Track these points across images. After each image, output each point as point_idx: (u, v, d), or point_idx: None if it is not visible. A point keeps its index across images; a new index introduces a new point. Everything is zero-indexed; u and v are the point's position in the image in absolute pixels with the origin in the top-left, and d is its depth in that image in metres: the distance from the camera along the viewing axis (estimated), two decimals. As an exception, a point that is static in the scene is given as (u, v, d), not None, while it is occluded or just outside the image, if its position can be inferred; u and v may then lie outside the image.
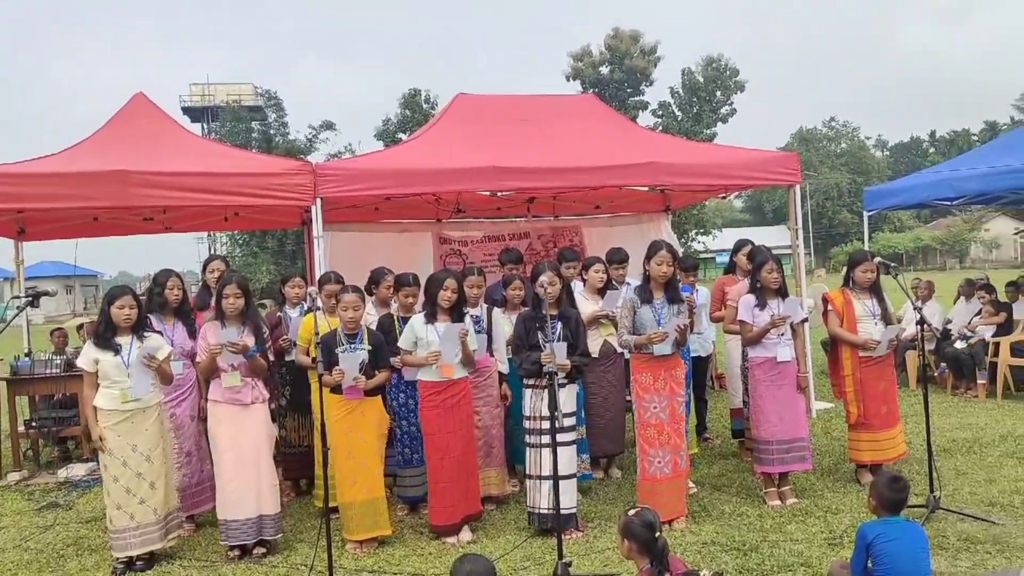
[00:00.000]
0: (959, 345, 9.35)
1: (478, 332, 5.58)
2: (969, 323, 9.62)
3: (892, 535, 3.74)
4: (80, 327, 9.84)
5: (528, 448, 5.31)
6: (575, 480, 5.36)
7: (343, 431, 5.11)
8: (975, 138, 66.97)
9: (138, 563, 4.95)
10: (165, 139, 7.56)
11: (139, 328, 5.00)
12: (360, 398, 5.10)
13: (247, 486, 5.07)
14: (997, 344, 9.04)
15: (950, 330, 9.80)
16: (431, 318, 5.30)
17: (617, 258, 6.75)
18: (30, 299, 4.59)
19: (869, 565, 3.78)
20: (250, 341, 5.14)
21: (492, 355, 5.88)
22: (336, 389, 5.06)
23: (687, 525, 5.24)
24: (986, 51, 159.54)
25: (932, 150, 75.09)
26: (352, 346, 5.15)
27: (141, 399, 4.92)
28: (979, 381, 9.03)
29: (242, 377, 5.13)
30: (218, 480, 5.16)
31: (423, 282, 5.61)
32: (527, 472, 5.36)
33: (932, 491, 5.21)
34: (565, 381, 5.21)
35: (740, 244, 6.97)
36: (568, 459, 5.23)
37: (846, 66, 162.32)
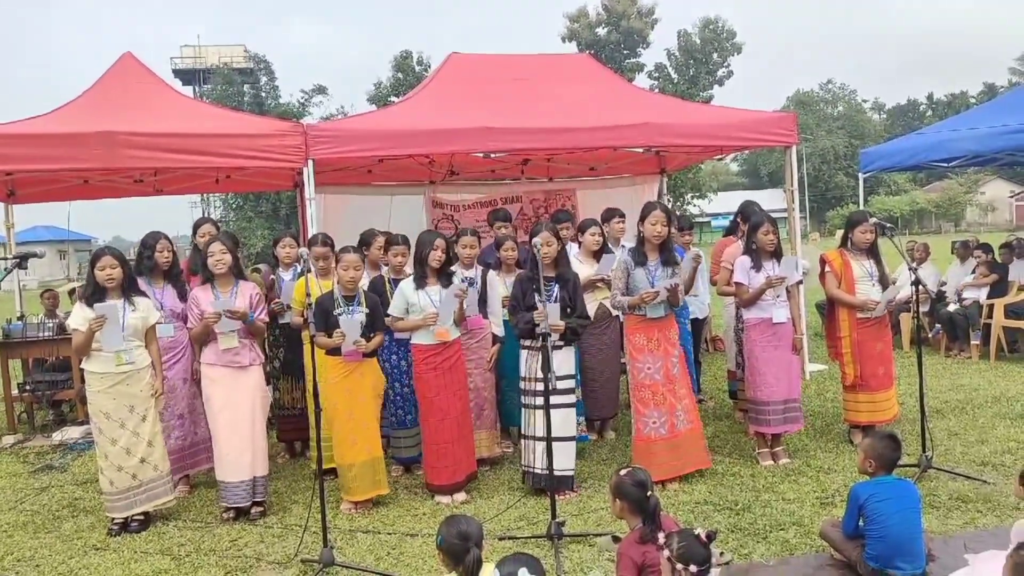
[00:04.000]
0: (952, 307, 9.36)
1: (471, 287, 5.57)
2: (960, 285, 9.63)
3: (885, 495, 3.78)
4: (72, 292, 9.78)
5: (523, 409, 5.32)
6: (574, 443, 5.34)
7: (343, 393, 5.09)
8: (973, 100, 66.43)
9: (133, 524, 4.97)
10: (154, 100, 7.46)
11: (129, 291, 4.96)
12: (359, 360, 5.08)
13: (243, 448, 5.08)
14: (991, 306, 9.05)
15: (944, 292, 9.81)
16: (421, 282, 5.27)
17: (616, 215, 6.74)
18: (18, 260, 4.53)
19: (861, 524, 3.82)
20: (243, 302, 5.12)
21: (486, 317, 5.86)
22: (334, 351, 5.03)
23: (680, 485, 5.26)
24: (986, 11, 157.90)
25: (929, 113, 74.52)
26: (350, 308, 5.12)
27: (135, 362, 4.91)
28: (973, 342, 9.06)
29: (239, 338, 5.11)
30: (215, 442, 5.17)
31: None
32: (521, 432, 5.37)
33: (924, 451, 5.23)
34: (562, 343, 5.19)
35: (744, 206, 6.85)
36: (566, 421, 5.22)
37: (843, 28, 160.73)
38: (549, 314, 4.80)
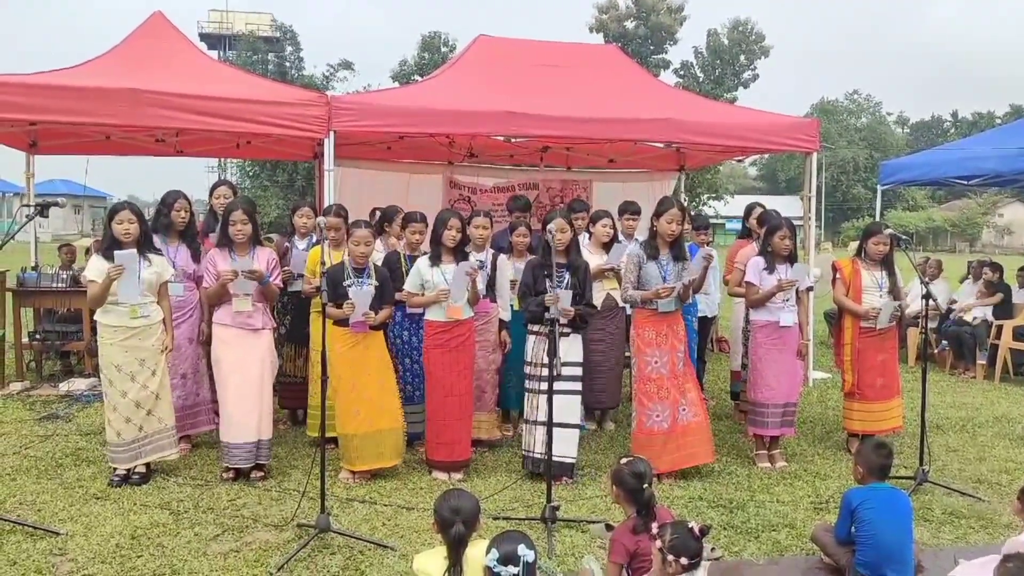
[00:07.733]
0: (950, 317, 9.39)
1: (481, 269, 5.58)
2: (961, 304, 9.63)
3: (876, 502, 3.80)
4: (87, 250, 9.78)
5: (527, 393, 5.35)
6: (577, 431, 5.36)
7: (348, 363, 5.14)
8: (999, 121, 65.79)
9: (134, 476, 5.04)
10: (181, 60, 7.48)
11: (145, 247, 5.01)
12: (366, 331, 5.13)
13: (251, 410, 5.14)
14: (1000, 327, 9.03)
15: (954, 309, 9.80)
16: (436, 260, 5.31)
17: (631, 209, 6.74)
18: (40, 208, 4.58)
19: (852, 530, 3.84)
20: (261, 266, 5.17)
21: (493, 300, 5.88)
22: (341, 322, 5.08)
23: (676, 480, 5.30)
24: (1017, 33, 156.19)
25: (953, 131, 73.90)
26: (360, 281, 5.16)
27: (149, 316, 4.98)
28: (979, 362, 9.05)
29: (253, 302, 5.16)
30: (222, 403, 5.23)
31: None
32: (524, 416, 5.40)
33: (922, 464, 5.25)
34: (569, 330, 5.22)
35: (751, 208, 6.95)
36: (570, 408, 5.25)
37: (874, 39, 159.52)
38: (561, 299, 4.83)
